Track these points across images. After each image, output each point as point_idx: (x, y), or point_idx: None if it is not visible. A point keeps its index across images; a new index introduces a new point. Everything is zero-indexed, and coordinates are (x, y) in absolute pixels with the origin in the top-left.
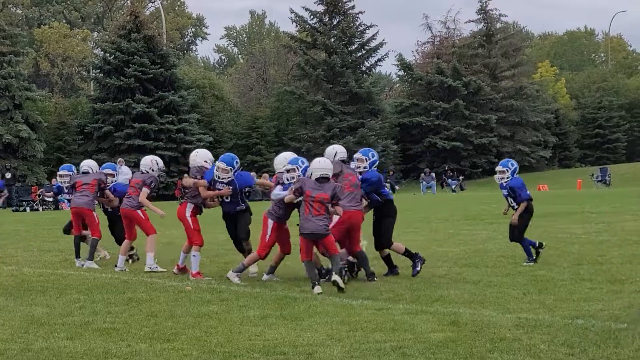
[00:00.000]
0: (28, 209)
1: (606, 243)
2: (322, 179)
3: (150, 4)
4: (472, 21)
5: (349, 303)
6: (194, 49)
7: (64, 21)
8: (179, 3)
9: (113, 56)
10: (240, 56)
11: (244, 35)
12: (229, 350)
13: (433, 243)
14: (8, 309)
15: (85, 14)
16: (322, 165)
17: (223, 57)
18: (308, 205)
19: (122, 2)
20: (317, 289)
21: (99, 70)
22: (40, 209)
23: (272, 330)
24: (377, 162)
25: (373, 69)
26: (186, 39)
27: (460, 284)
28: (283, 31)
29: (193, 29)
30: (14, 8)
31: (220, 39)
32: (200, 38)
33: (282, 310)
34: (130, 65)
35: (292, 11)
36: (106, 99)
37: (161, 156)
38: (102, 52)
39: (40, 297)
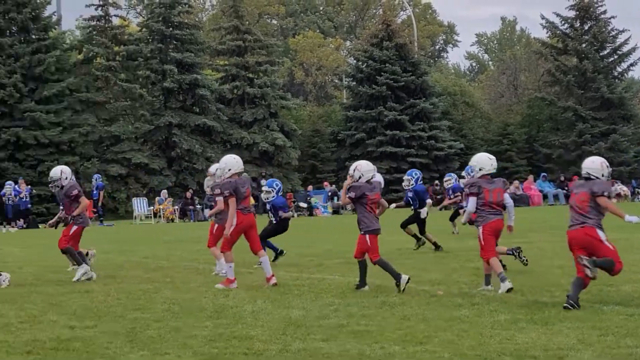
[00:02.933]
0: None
1: None
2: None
3: (401, 13)
4: None
5: (599, 308)
6: (445, 56)
7: (318, 31)
8: (430, 11)
9: (365, 64)
10: (490, 63)
11: (495, 42)
12: (480, 353)
13: None
14: (266, 311)
15: (338, 24)
16: (370, 167)
17: (474, 64)
18: (369, 207)
19: (374, 11)
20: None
21: (351, 79)
22: (295, 215)
23: (523, 334)
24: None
25: (625, 74)
26: (437, 47)
27: None
28: (534, 37)
29: (444, 37)
30: (270, 19)
31: (470, 45)
32: (451, 45)
33: (532, 315)
34: (382, 73)
35: (542, 17)
36: (358, 106)
37: (412, 163)
38: (354, 61)
39: (297, 300)
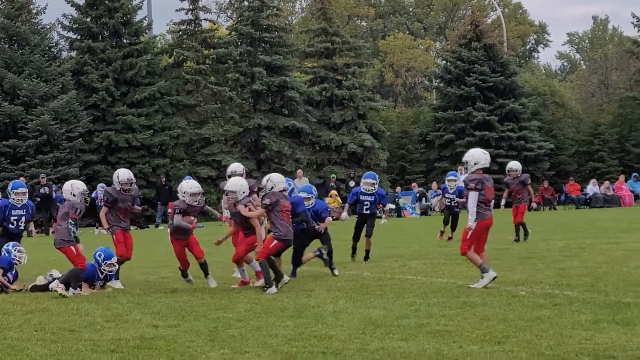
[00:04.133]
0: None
1: None
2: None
3: (491, 13)
4: None
5: None
6: (536, 56)
7: (407, 32)
8: (520, 11)
9: (454, 65)
10: (582, 62)
11: (586, 41)
12: (558, 353)
13: None
14: (347, 311)
15: (427, 25)
16: (282, 179)
17: (565, 64)
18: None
19: (464, 11)
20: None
21: (440, 80)
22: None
23: (603, 334)
24: None
25: None
26: (528, 47)
27: None
28: (626, 36)
29: (535, 36)
30: (359, 21)
31: (562, 45)
32: (542, 45)
33: (614, 315)
34: (471, 74)
35: (634, 15)
36: (447, 107)
37: (502, 164)
38: (443, 62)
39: (379, 300)
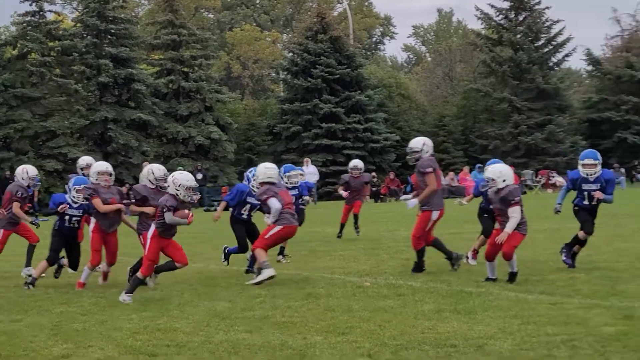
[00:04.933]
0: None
1: None
2: None
3: (338, 5)
4: None
5: (524, 297)
6: (382, 48)
7: (254, 24)
8: (366, 4)
9: (300, 57)
10: (427, 54)
11: (432, 34)
12: (400, 342)
13: (617, 238)
14: (192, 304)
15: (274, 17)
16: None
17: (411, 56)
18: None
19: (310, 4)
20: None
21: (287, 72)
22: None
23: (445, 323)
24: None
25: (560, 65)
26: (374, 39)
27: None
28: (470, 29)
29: (381, 29)
30: (206, 13)
31: (407, 37)
32: (388, 37)
33: (456, 304)
34: (317, 66)
35: (477, 8)
36: (294, 99)
37: (348, 156)
38: (290, 54)
39: (224, 293)
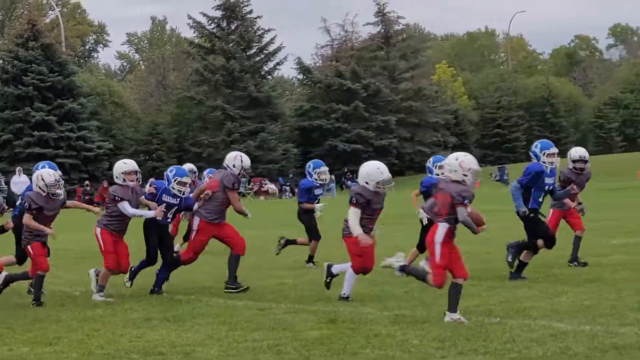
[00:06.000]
0: None
1: (495, 241)
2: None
3: (50, 12)
4: (370, 24)
5: (232, 304)
6: (96, 56)
7: None
8: (79, 11)
9: (11, 65)
10: (141, 62)
11: (145, 42)
12: (109, 351)
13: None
14: None
15: None
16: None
17: (124, 64)
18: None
19: (21, 10)
20: None
21: None
22: None
23: (154, 331)
24: None
25: (272, 73)
26: (87, 47)
27: None
28: (184, 37)
29: (94, 36)
30: None
31: (121, 45)
32: (101, 45)
33: (165, 312)
34: (29, 73)
35: (190, 17)
36: (5, 107)
37: (60, 164)
38: (0, 61)
39: None
